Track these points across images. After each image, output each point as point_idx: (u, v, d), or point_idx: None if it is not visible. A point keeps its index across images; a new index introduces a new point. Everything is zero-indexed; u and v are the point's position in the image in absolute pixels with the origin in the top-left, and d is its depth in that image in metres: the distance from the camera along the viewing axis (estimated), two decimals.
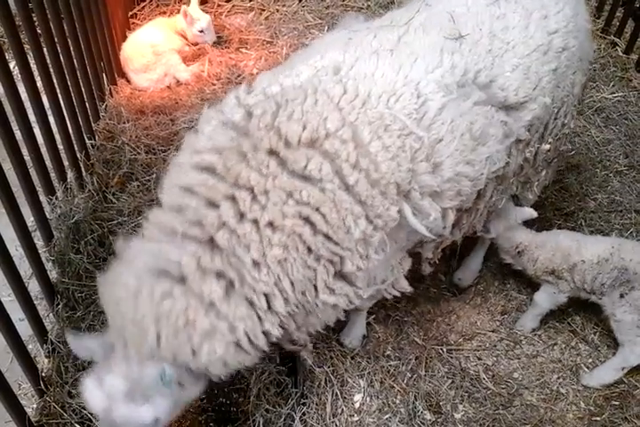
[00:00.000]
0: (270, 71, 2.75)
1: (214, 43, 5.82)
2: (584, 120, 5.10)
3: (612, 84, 5.55)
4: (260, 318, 2.31)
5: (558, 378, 3.41)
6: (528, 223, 3.57)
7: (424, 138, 2.42)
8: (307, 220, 2.27)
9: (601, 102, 5.34)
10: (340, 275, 2.44)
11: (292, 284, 2.32)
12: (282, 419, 2.97)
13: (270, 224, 2.25)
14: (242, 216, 2.26)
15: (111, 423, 2.29)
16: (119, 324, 2.29)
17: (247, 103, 2.46)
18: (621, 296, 3.23)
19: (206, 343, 2.22)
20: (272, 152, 2.29)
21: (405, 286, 2.95)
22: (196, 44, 5.76)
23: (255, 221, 2.25)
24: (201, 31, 5.65)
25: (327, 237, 2.30)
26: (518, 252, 3.53)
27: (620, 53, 5.96)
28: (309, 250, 2.30)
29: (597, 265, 3.26)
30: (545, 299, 3.51)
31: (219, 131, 2.42)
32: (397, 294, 2.98)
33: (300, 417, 3.01)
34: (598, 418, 3.20)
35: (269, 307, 2.31)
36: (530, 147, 3.03)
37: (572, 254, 3.34)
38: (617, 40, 6.07)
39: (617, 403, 3.26)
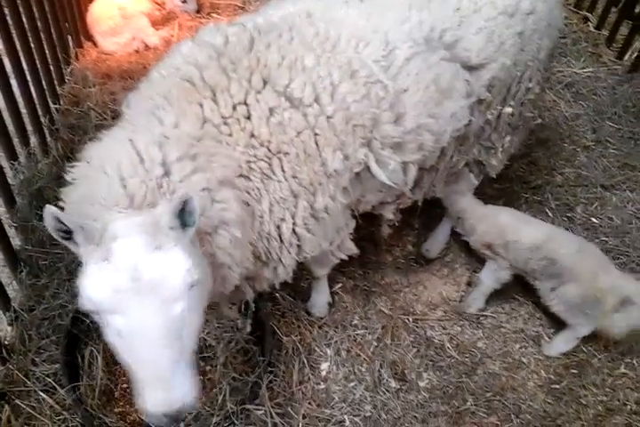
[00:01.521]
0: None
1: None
2: (554, 95, 5.14)
3: (582, 59, 5.58)
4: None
5: (520, 348, 3.49)
6: (496, 195, 3.60)
7: (389, 87, 2.47)
8: (291, 141, 2.29)
9: (571, 77, 5.37)
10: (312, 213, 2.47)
11: (271, 207, 2.33)
12: (248, 387, 2.98)
13: (254, 136, 2.26)
14: (224, 119, 2.25)
15: (144, 294, 1.83)
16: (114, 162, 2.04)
17: (225, 32, 2.45)
18: (552, 289, 3.30)
19: (224, 189, 2.14)
20: (253, 70, 2.31)
21: (351, 248, 2.97)
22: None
23: (241, 128, 2.25)
24: (183, 1, 5.60)
25: (306, 164, 2.33)
26: (458, 218, 3.60)
27: (592, 29, 5.99)
28: (294, 173, 2.31)
29: (529, 250, 3.30)
30: (489, 277, 3.54)
31: (197, 49, 2.41)
32: (344, 257, 3.01)
33: (267, 385, 3.02)
34: (558, 386, 3.29)
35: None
36: (491, 109, 3.05)
37: (507, 233, 3.37)
38: (589, 15, 6.09)
39: (575, 371, 3.35)
